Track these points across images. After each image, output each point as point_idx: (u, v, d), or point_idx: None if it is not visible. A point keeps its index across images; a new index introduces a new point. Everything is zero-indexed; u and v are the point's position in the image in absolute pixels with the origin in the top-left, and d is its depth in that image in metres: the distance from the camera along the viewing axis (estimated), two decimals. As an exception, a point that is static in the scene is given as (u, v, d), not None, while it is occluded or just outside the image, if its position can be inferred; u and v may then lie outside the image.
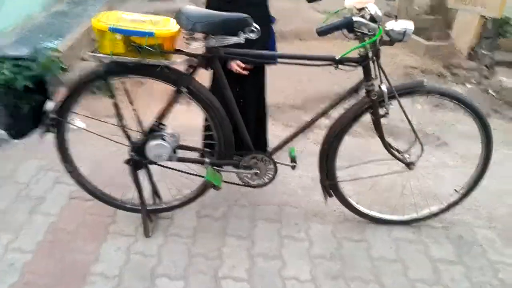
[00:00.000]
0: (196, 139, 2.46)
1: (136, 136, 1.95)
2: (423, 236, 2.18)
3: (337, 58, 1.76)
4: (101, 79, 1.80)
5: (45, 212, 2.25)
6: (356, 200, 2.20)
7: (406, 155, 2.01)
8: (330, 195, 2.14)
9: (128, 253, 2.04)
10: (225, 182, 2.04)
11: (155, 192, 2.23)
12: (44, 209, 2.27)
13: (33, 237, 2.09)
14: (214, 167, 2.01)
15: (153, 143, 1.86)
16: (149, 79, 1.83)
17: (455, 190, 2.16)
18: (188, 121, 2.68)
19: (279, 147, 2.04)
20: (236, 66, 2.10)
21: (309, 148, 2.79)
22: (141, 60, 1.67)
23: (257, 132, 2.47)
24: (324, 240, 2.14)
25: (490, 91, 4.18)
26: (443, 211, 2.20)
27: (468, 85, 4.34)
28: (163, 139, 1.88)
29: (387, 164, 2.06)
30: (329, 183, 2.10)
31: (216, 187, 1.96)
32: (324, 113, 1.95)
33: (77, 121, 2.27)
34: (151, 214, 2.19)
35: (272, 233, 2.17)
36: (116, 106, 1.85)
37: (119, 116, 1.87)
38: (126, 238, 2.13)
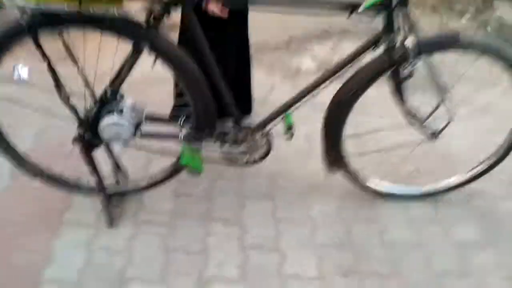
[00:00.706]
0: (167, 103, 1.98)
1: (86, 107, 1.47)
2: (444, 214, 1.84)
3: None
4: (25, 34, 1.27)
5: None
6: (365, 174, 1.81)
7: (428, 125, 1.60)
8: (335, 170, 1.74)
9: (89, 251, 1.63)
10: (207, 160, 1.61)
11: (118, 169, 1.78)
12: None
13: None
14: (191, 146, 1.56)
15: (107, 121, 1.39)
16: (96, 32, 1.31)
17: (481, 160, 1.79)
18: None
19: (273, 116, 1.60)
20: (214, 6, 1.56)
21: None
22: (81, 10, 1.15)
23: (239, 92, 2.01)
24: (329, 223, 1.78)
25: (489, 28, 3.75)
26: (466, 182, 1.84)
27: (464, 21, 3.89)
28: (120, 115, 1.40)
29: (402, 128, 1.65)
30: (334, 156, 1.70)
31: (195, 172, 1.52)
32: (332, 74, 1.49)
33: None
34: (115, 198, 1.76)
35: (265, 216, 1.79)
36: (51, 69, 1.34)
37: (58, 83, 1.37)
38: (85, 230, 1.71)
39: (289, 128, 1.61)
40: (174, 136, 1.57)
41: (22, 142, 1.71)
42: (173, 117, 1.56)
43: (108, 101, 1.40)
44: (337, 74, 1.48)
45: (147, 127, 1.53)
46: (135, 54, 1.35)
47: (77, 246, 1.64)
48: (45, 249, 1.63)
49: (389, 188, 1.84)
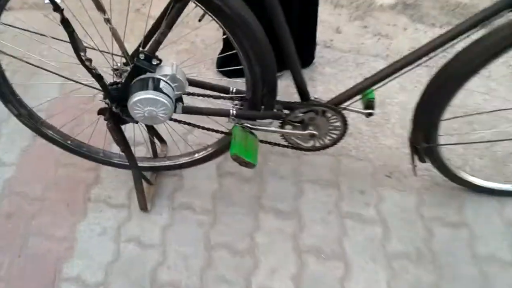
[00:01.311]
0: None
1: (114, 73, 1.13)
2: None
3: None
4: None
5: (1, 162, 1.56)
6: (458, 164, 1.43)
7: None
8: (423, 161, 1.36)
9: (118, 240, 1.38)
10: (260, 141, 1.27)
11: (155, 140, 1.48)
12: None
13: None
14: (245, 125, 1.21)
15: (139, 96, 1.04)
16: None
17: None
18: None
19: (354, 92, 1.21)
20: None
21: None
22: None
23: (302, 38, 1.62)
24: (405, 224, 1.44)
25: None
26: None
27: None
28: (158, 89, 1.05)
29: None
30: (426, 145, 1.31)
31: (249, 165, 1.18)
32: (448, 40, 1.06)
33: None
34: (150, 174, 1.48)
35: (327, 208, 1.47)
36: (65, 21, 0.98)
37: (75, 41, 1.01)
38: (115, 211, 1.46)
39: (369, 106, 1.23)
40: (223, 114, 1.21)
41: (38, 103, 1.41)
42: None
43: (141, 67, 1.05)
44: (455, 40, 1.05)
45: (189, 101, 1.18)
46: (178, 6, 0.97)
47: (104, 233, 1.40)
48: (68, 235, 1.40)
49: (488, 183, 1.45)
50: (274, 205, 1.47)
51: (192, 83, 1.18)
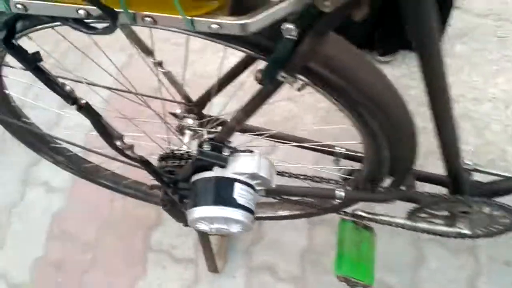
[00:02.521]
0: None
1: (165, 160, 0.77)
2: None
3: None
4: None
5: (48, 187, 1.32)
6: None
7: None
8: None
9: (183, 313, 1.12)
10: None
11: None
12: (46, 179, 1.32)
13: (26, 251, 1.23)
14: (358, 213, 0.81)
15: (200, 213, 0.68)
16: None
17: None
18: None
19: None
20: None
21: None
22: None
23: None
24: None
25: None
26: None
27: None
28: (230, 200, 0.67)
29: None
30: None
31: (361, 286, 0.80)
32: None
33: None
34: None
35: (457, 284, 1.08)
36: (85, 109, 0.60)
37: (105, 129, 0.65)
38: (179, 269, 1.18)
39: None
40: (323, 195, 0.81)
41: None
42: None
43: (205, 161, 0.67)
44: None
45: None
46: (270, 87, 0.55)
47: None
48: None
49: None
50: (382, 277, 1.10)
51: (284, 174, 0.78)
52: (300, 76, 0.55)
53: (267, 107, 0.60)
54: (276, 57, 0.50)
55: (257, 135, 0.82)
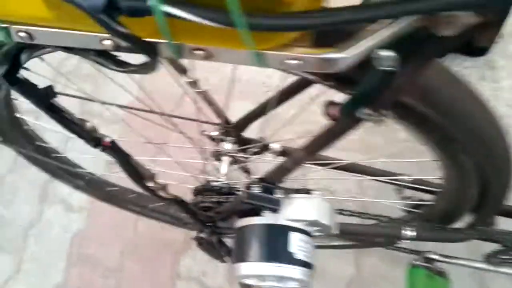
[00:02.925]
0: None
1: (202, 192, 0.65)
2: None
3: None
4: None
5: (66, 205, 1.22)
6: None
7: None
8: None
9: None
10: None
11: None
12: (64, 197, 1.23)
13: (44, 277, 1.13)
14: (432, 257, 0.68)
15: (248, 270, 0.55)
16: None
17: None
18: None
19: None
20: None
21: None
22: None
23: None
24: None
25: None
26: None
27: None
28: (284, 255, 0.55)
29: None
30: None
31: None
32: None
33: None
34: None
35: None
36: (112, 150, 0.49)
37: (134, 169, 0.54)
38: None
39: None
40: (388, 235, 0.69)
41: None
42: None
43: (257, 203, 0.55)
44: None
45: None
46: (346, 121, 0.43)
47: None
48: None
49: None
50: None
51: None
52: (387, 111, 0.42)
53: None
54: (364, 92, 0.37)
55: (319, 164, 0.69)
